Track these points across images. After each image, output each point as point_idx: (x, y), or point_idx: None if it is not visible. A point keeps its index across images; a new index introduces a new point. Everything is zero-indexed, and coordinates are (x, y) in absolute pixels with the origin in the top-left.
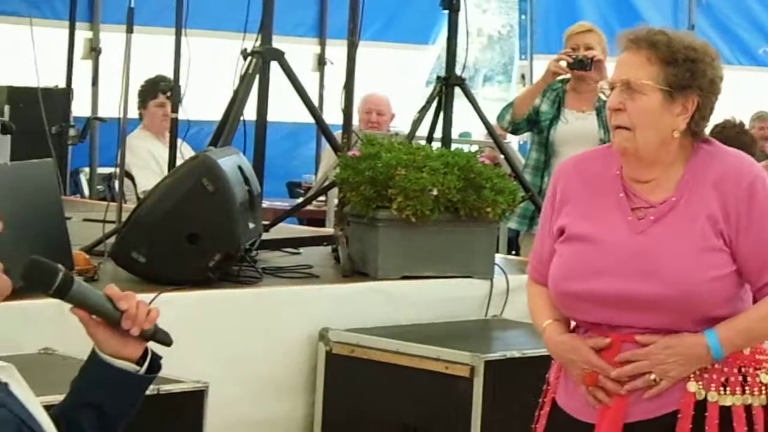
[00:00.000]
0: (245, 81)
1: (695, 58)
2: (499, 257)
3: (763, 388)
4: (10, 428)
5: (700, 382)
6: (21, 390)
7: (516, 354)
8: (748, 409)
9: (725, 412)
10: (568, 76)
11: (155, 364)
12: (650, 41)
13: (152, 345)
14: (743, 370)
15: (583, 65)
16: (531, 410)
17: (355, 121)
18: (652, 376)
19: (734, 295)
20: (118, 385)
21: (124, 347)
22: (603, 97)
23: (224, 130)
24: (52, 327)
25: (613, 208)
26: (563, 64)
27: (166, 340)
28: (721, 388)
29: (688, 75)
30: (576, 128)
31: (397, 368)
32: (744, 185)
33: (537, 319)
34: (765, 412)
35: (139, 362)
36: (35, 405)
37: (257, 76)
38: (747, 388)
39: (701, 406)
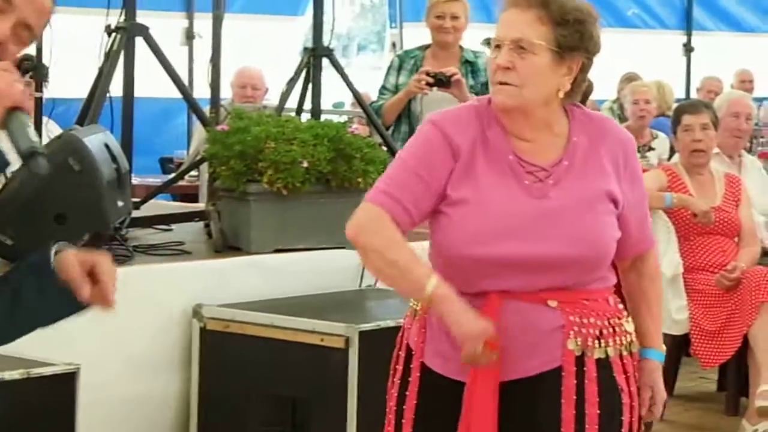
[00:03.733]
0: (110, 58)
1: (583, 20)
2: None
3: (628, 336)
4: None
5: (578, 338)
6: None
7: (391, 323)
8: (620, 357)
9: (603, 364)
10: (428, 42)
11: None
12: (542, 1)
13: None
14: (611, 321)
15: (443, 83)
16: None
17: (229, 94)
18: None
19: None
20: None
21: None
22: (487, 52)
23: (90, 108)
24: None
25: (505, 170)
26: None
27: (36, 168)
28: (596, 342)
29: (578, 36)
30: (437, 96)
31: (273, 342)
32: (630, 152)
33: (416, 267)
34: (632, 358)
35: None
36: None
37: (122, 53)
38: (617, 338)
39: (580, 361)
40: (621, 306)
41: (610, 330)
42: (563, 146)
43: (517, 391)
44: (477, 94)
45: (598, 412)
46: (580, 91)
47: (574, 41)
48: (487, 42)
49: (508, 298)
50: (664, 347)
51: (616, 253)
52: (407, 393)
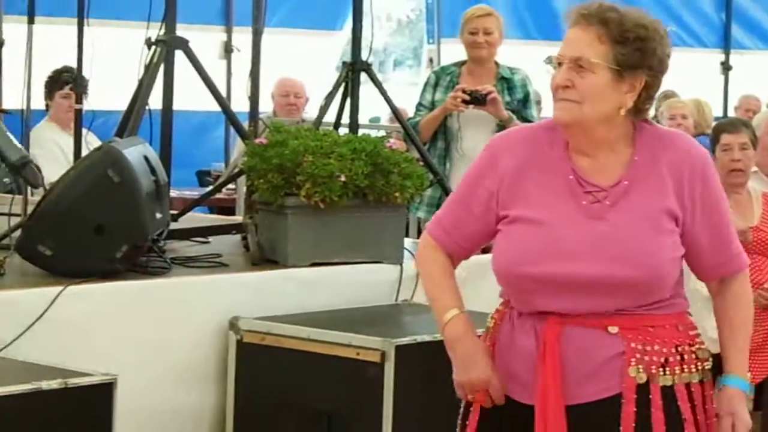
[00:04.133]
0: (150, 70)
1: (645, 37)
2: (408, 242)
3: (699, 363)
4: None
5: (641, 366)
6: None
7: (427, 338)
8: (687, 386)
9: (667, 392)
10: (464, 58)
11: None
12: (602, 18)
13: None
14: (680, 348)
15: (479, 101)
16: (443, 394)
17: (267, 107)
18: None
19: (679, 277)
20: None
21: None
22: (552, 71)
23: (130, 121)
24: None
25: (564, 190)
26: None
27: (32, 179)
28: (661, 369)
29: (638, 54)
30: (473, 112)
31: (309, 355)
32: (698, 169)
33: (440, 300)
34: (702, 388)
35: None
36: None
37: (162, 66)
38: (685, 366)
39: (643, 388)
40: (693, 332)
41: (678, 357)
42: (625, 165)
43: (578, 416)
44: (513, 111)
45: None
46: (646, 108)
47: (635, 59)
48: (549, 60)
49: (568, 323)
50: (748, 375)
51: (697, 274)
52: (471, 409)
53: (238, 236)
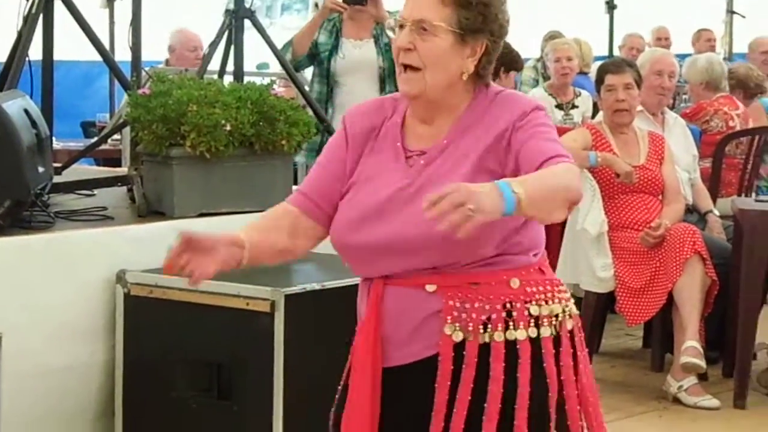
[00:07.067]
0: (29, 21)
1: (488, 2)
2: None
3: (531, 320)
4: None
5: (457, 324)
6: None
7: (316, 286)
8: (511, 343)
9: (483, 350)
10: None
11: None
12: None
13: None
14: (508, 305)
15: (359, 1)
16: (334, 342)
17: (151, 56)
18: (469, 206)
19: (514, 234)
20: None
21: None
22: (390, 35)
23: (9, 73)
24: None
25: (392, 156)
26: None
27: None
28: (481, 327)
29: (481, 19)
30: (356, 57)
31: (198, 307)
32: (519, 112)
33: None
34: (532, 345)
35: None
36: None
37: (41, 16)
38: (512, 323)
39: (460, 346)
40: (534, 289)
41: (504, 315)
42: (450, 126)
43: (397, 377)
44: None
45: (470, 397)
46: (487, 73)
47: (477, 24)
48: (395, 21)
49: (389, 284)
50: (520, 190)
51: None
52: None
53: (124, 188)
